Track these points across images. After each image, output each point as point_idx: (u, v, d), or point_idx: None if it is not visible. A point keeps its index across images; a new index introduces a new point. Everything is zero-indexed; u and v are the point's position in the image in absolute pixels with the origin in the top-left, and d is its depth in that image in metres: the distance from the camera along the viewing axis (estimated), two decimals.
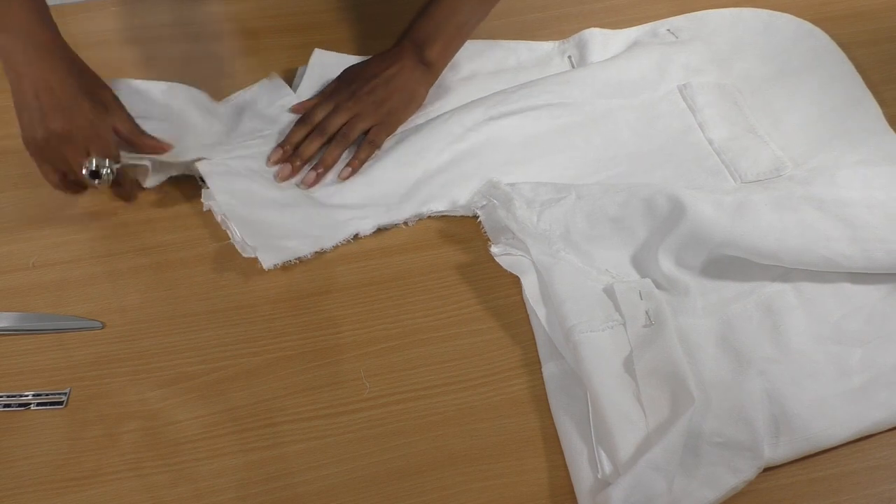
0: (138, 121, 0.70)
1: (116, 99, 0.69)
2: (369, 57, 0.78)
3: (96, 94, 0.67)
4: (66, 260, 0.69)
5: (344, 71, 0.78)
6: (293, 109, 0.78)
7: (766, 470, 0.55)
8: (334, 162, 0.73)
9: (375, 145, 0.74)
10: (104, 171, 0.65)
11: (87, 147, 0.65)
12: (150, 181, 0.72)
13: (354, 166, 0.73)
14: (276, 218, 0.70)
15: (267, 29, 0.90)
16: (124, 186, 0.71)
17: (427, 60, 0.76)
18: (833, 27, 0.85)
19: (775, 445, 0.55)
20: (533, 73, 0.83)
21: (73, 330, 0.64)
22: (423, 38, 0.76)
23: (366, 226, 0.70)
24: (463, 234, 0.71)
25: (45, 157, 0.66)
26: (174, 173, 0.73)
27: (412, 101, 0.77)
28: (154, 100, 0.75)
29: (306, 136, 0.74)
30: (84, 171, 0.65)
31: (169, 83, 0.76)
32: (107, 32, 0.90)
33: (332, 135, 0.74)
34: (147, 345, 0.63)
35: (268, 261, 0.66)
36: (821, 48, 0.84)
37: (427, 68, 0.77)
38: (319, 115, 0.74)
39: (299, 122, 0.75)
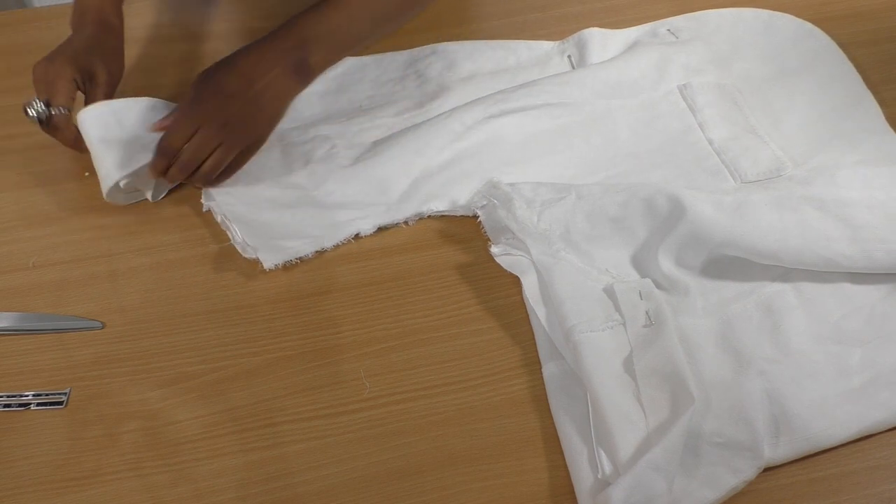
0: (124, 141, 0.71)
1: (107, 83, 0.74)
2: (239, 49, 0.69)
3: (90, 64, 0.73)
4: (66, 260, 0.69)
5: (208, 72, 0.69)
6: (154, 128, 0.69)
7: (766, 470, 0.55)
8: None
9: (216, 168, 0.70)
10: (31, 111, 0.71)
11: (45, 92, 0.71)
12: (155, 194, 0.73)
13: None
14: (276, 218, 0.70)
15: (267, 29, 0.89)
16: (64, 133, 0.72)
17: (305, 67, 0.68)
18: (833, 27, 0.85)
19: (775, 445, 0.55)
20: (533, 72, 0.83)
21: (73, 330, 0.64)
22: (311, 40, 0.68)
23: (366, 226, 0.70)
24: (463, 234, 0.71)
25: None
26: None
27: (274, 121, 0.71)
28: (142, 115, 0.74)
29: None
30: (24, 106, 0.71)
31: (151, 99, 0.75)
32: None
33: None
34: (147, 345, 0.63)
35: (269, 261, 0.66)
36: (821, 48, 0.84)
37: (300, 78, 0.69)
38: (179, 143, 0.67)
39: (160, 152, 0.68)
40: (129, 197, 0.73)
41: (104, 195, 0.70)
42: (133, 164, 0.69)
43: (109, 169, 0.69)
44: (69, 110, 0.72)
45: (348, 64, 0.85)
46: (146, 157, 0.69)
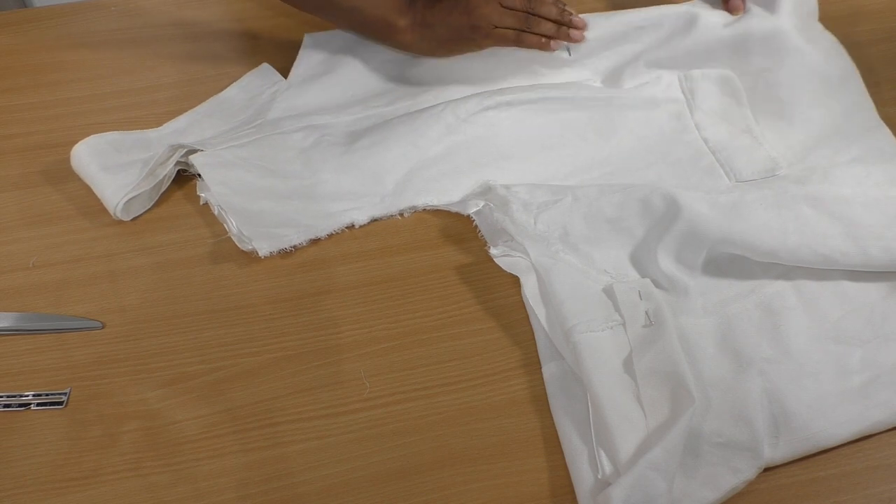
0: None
1: None
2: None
3: None
4: (66, 260, 0.69)
5: None
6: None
7: (766, 470, 0.55)
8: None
9: None
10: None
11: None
12: (152, 195, 0.73)
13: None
14: (270, 207, 0.70)
15: (267, 29, 0.90)
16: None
17: None
18: (832, 27, 0.85)
19: (775, 445, 0.55)
20: (522, 56, 0.83)
21: (73, 330, 0.64)
22: None
23: (360, 216, 0.71)
24: (463, 234, 0.71)
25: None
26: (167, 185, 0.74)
27: None
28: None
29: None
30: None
31: (143, 131, 0.78)
32: (107, 32, 0.90)
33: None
34: (147, 345, 0.63)
35: (264, 248, 0.66)
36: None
37: None
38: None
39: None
40: (135, 208, 0.72)
41: (115, 214, 0.71)
42: (137, 177, 0.71)
43: (116, 189, 0.70)
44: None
45: (338, 49, 0.85)
46: (144, 171, 0.71)
